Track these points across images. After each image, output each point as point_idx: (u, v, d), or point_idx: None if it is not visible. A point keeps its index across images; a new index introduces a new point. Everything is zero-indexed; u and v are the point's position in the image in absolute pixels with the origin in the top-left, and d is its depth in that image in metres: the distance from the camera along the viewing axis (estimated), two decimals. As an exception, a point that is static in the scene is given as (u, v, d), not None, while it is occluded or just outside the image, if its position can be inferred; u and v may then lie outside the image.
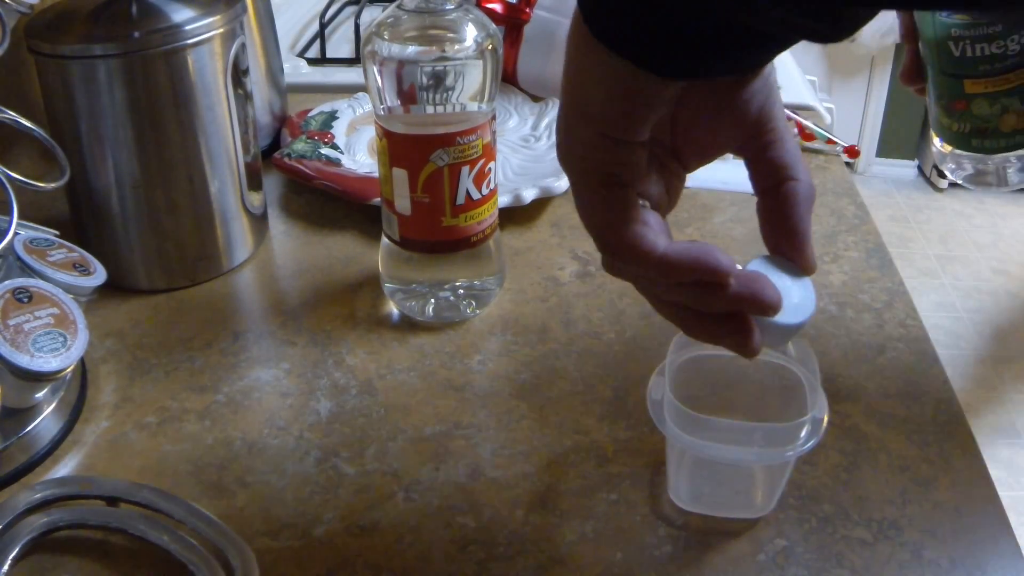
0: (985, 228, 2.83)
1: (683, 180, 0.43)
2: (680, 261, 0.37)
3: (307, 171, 0.77)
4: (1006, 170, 0.55)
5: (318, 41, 1.07)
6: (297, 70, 1.02)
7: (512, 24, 0.89)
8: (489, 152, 0.60)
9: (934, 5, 0.50)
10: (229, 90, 0.66)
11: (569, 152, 0.38)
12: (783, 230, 0.40)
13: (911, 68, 0.57)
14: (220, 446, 0.55)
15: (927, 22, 0.54)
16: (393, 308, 0.66)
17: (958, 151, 0.56)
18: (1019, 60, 0.52)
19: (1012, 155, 0.55)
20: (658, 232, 0.38)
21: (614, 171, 0.37)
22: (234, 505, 0.51)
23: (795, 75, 1.05)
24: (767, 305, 0.37)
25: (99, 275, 0.60)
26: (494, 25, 0.59)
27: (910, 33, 0.56)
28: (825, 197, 0.79)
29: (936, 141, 0.57)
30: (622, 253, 0.38)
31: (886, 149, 3.14)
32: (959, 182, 0.58)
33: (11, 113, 0.57)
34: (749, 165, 0.41)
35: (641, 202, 0.38)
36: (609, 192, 0.37)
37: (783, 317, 0.38)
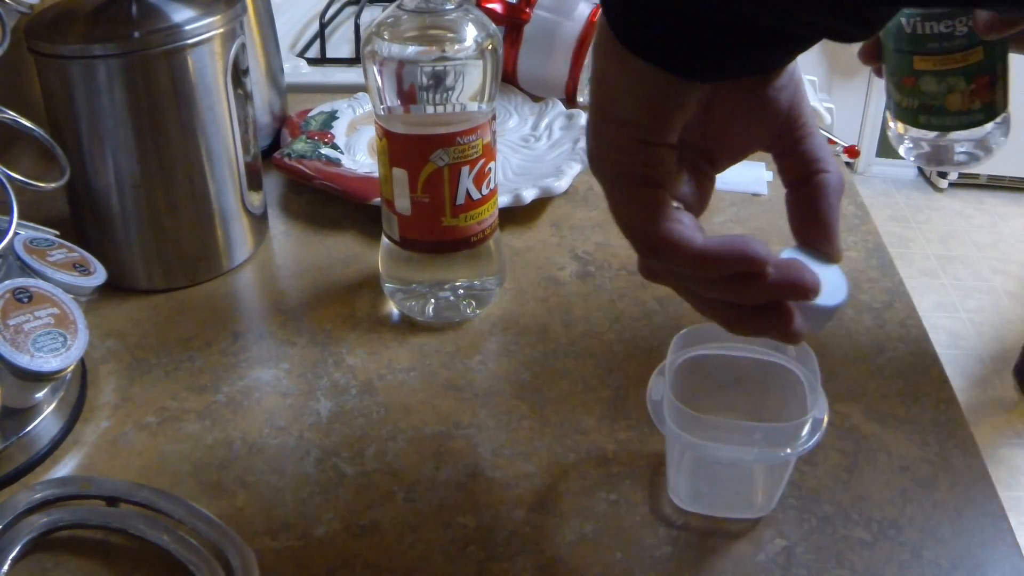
0: (985, 228, 2.83)
1: (713, 181, 0.44)
2: (719, 253, 0.37)
3: (307, 171, 0.77)
4: (952, 150, 0.57)
5: (318, 41, 1.07)
6: (297, 70, 1.02)
7: (512, 24, 0.89)
8: (489, 152, 0.60)
9: (958, 1, 0.50)
10: (229, 90, 0.66)
11: (601, 157, 0.39)
12: (814, 221, 0.40)
13: (871, 47, 0.58)
14: (220, 446, 0.55)
15: None
16: (393, 308, 0.66)
17: (907, 127, 0.57)
18: (967, 41, 0.53)
19: (959, 135, 0.56)
20: (694, 229, 0.38)
21: (647, 172, 0.38)
22: (234, 505, 0.51)
23: (795, 75, 1.05)
24: (807, 289, 0.38)
25: (99, 275, 0.60)
26: (494, 25, 0.59)
27: None
28: (825, 197, 0.79)
29: (888, 118, 0.59)
30: (661, 250, 0.38)
31: (886, 149, 3.14)
32: (909, 160, 0.59)
33: (11, 113, 0.57)
34: (778, 159, 0.42)
35: (675, 204, 0.39)
36: (643, 192, 0.38)
37: (822, 300, 0.38)
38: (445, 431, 0.55)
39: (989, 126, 0.56)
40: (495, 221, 0.64)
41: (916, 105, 0.56)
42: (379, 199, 0.65)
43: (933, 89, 0.55)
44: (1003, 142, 0.57)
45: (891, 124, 0.59)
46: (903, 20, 0.54)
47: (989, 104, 0.55)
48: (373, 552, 0.48)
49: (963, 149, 0.57)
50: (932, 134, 0.57)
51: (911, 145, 0.59)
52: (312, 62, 1.04)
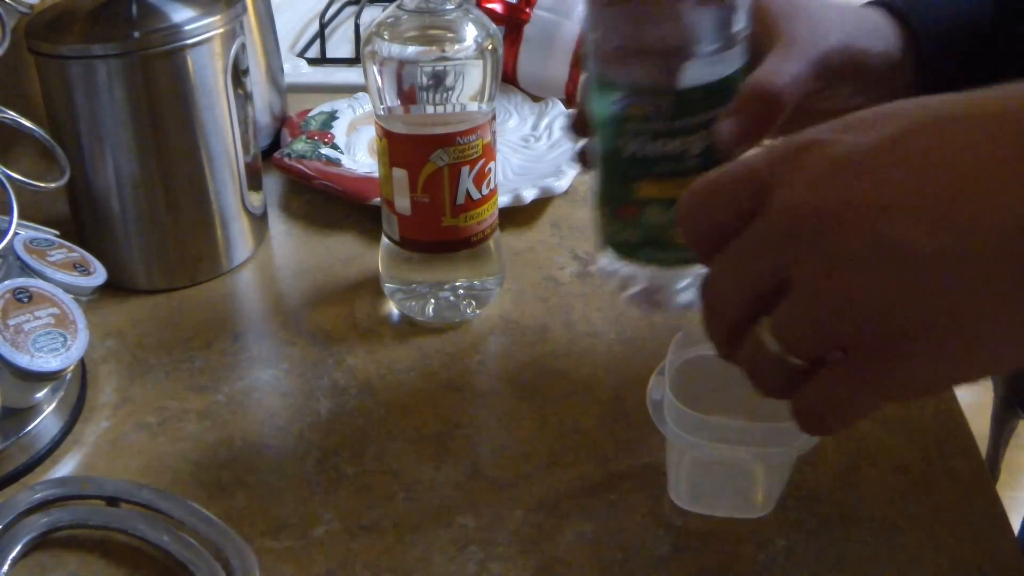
0: (985, 228, 2.83)
1: None
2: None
3: (307, 171, 0.77)
4: (677, 289, 0.48)
5: (318, 41, 1.07)
6: (297, 70, 1.02)
7: (512, 24, 0.89)
8: (489, 152, 0.60)
9: None
10: (229, 90, 0.66)
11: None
12: None
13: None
14: (220, 446, 0.55)
15: (598, 102, 0.45)
16: (393, 308, 0.66)
17: (627, 261, 0.48)
18: (703, 160, 0.44)
19: (687, 271, 0.47)
20: None
21: None
22: (234, 505, 0.51)
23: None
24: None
25: (99, 275, 0.60)
26: (494, 25, 0.59)
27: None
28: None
29: (597, 244, 0.49)
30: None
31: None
32: (624, 299, 0.48)
33: (11, 113, 0.57)
34: None
35: None
36: None
37: None
38: (445, 431, 0.55)
39: None
40: (495, 221, 0.64)
41: (638, 238, 0.46)
42: (379, 199, 0.65)
43: (660, 220, 0.45)
44: None
45: (601, 255, 0.49)
46: (620, 142, 0.44)
47: None
48: (373, 552, 0.48)
49: (688, 286, 0.48)
50: (657, 270, 0.47)
51: (627, 280, 0.48)
52: (312, 62, 1.04)
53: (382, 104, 0.59)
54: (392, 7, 0.58)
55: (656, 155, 0.44)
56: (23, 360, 0.50)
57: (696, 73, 0.43)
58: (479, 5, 0.89)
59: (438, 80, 0.57)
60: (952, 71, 0.52)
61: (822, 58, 0.48)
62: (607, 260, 0.49)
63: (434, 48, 0.57)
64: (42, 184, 0.58)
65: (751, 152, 0.35)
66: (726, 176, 0.34)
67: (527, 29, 0.89)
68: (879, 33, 0.51)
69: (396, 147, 0.59)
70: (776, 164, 0.33)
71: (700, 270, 0.41)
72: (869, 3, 0.54)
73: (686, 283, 0.48)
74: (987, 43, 0.53)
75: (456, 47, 0.57)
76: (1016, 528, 0.49)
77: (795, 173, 0.32)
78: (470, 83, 0.57)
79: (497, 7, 0.89)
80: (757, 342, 0.34)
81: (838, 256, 0.30)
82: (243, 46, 0.67)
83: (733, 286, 0.34)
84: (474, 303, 0.65)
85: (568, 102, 0.91)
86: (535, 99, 0.92)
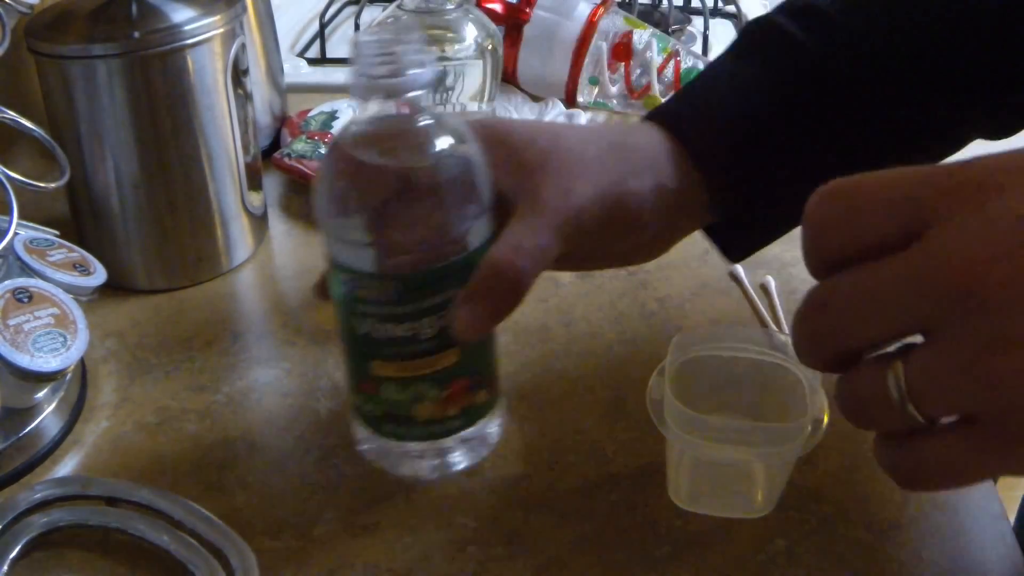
0: (985, 228, 2.83)
1: None
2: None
3: (307, 171, 0.77)
4: (410, 460, 0.50)
5: (318, 41, 1.07)
6: (297, 70, 1.02)
7: (512, 24, 0.89)
8: (489, 152, 0.60)
9: None
10: (229, 90, 0.66)
11: None
12: None
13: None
14: (220, 446, 0.55)
15: (332, 279, 0.46)
16: (393, 308, 0.66)
17: (370, 433, 0.50)
18: (433, 345, 0.45)
19: (434, 444, 0.49)
20: None
21: None
22: (234, 505, 0.50)
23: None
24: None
25: (99, 275, 0.60)
26: (494, 25, 0.59)
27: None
28: (825, 197, 0.79)
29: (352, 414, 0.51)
30: None
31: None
32: (380, 464, 0.50)
33: (11, 113, 0.57)
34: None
35: None
36: None
37: None
38: (445, 431, 0.55)
39: (471, 430, 0.50)
40: (495, 221, 0.64)
41: (380, 413, 0.48)
42: (379, 199, 0.65)
43: (397, 398, 0.47)
44: (498, 432, 0.51)
45: (352, 420, 0.51)
46: (355, 319, 0.45)
47: (470, 407, 0.49)
48: (373, 552, 0.48)
49: (456, 454, 0.50)
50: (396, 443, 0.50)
51: (372, 447, 0.51)
52: (312, 62, 1.04)
53: (382, 104, 0.59)
54: (392, 7, 0.58)
55: (387, 337, 0.45)
56: (23, 360, 0.50)
57: (421, 259, 0.43)
58: (479, 5, 0.89)
59: (438, 80, 0.57)
60: (740, 178, 0.50)
61: (573, 218, 0.44)
62: (357, 428, 0.51)
63: (434, 48, 0.57)
64: (42, 184, 0.58)
65: (904, 170, 0.31)
66: (876, 192, 0.30)
67: (527, 29, 0.89)
68: (650, 164, 0.48)
69: (396, 147, 0.59)
70: (943, 199, 0.29)
71: (438, 445, 0.47)
72: (645, 118, 0.51)
73: (420, 455, 0.50)
74: (769, 139, 0.50)
75: (456, 47, 0.57)
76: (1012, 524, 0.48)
77: (969, 218, 0.28)
78: (470, 83, 0.57)
79: (497, 7, 0.89)
80: (873, 378, 0.31)
81: (1007, 335, 0.27)
82: (243, 46, 0.67)
83: (861, 315, 0.31)
84: (474, 303, 0.65)
85: (568, 102, 0.91)
86: (535, 99, 0.92)
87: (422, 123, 0.43)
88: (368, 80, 0.41)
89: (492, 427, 0.51)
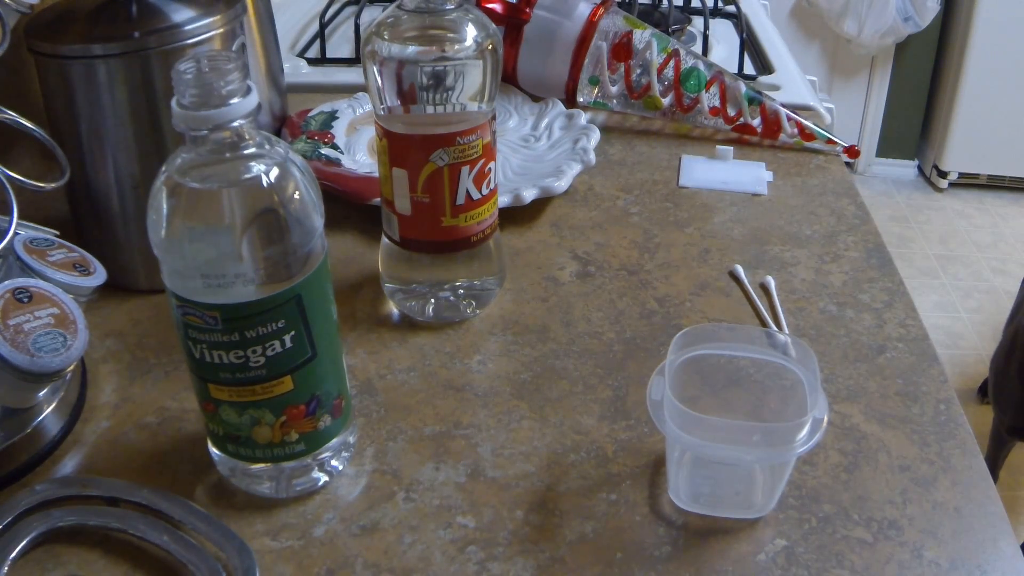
0: (985, 228, 2.83)
1: None
2: None
3: (307, 171, 0.77)
4: (273, 480, 0.50)
5: (318, 41, 1.07)
6: (297, 70, 1.02)
7: (512, 24, 0.89)
8: (489, 152, 0.60)
9: None
10: (229, 90, 0.66)
11: None
12: None
13: None
14: (220, 446, 0.54)
15: (170, 302, 0.46)
16: (393, 308, 0.66)
17: (215, 451, 0.51)
18: (263, 373, 0.46)
19: (279, 466, 0.50)
20: None
21: None
22: (234, 505, 0.51)
23: (795, 75, 1.05)
24: None
25: (99, 275, 0.60)
26: (494, 25, 0.59)
27: None
28: (825, 197, 0.79)
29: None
30: None
31: (886, 149, 3.14)
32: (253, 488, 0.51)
33: (11, 113, 0.57)
34: None
35: None
36: None
37: None
38: (445, 431, 0.55)
39: (327, 453, 0.50)
40: (495, 221, 0.64)
41: (221, 434, 0.49)
42: (379, 199, 0.65)
43: (235, 420, 0.47)
44: (346, 459, 0.52)
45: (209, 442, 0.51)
46: (189, 344, 0.46)
47: (312, 433, 0.49)
48: (373, 552, 0.48)
49: (304, 478, 0.51)
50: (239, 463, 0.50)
51: (234, 470, 0.51)
52: (312, 62, 1.05)
53: (382, 104, 0.59)
54: (392, 7, 0.58)
55: (218, 363, 0.45)
56: (23, 360, 0.50)
57: (240, 292, 0.44)
58: (479, 5, 0.89)
59: (438, 80, 0.57)
60: None
61: None
62: (209, 444, 0.52)
63: (434, 48, 0.57)
64: (42, 184, 0.58)
65: None
66: None
67: (527, 29, 0.89)
68: None
69: (396, 147, 0.59)
70: None
71: (280, 467, 0.48)
72: None
73: (271, 476, 0.50)
74: None
75: (456, 47, 0.57)
76: (1016, 528, 0.48)
77: None
78: (470, 83, 0.57)
79: (497, 7, 0.89)
80: None
81: None
82: (243, 46, 0.67)
83: None
84: (474, 303, 0.65)
85: (568, 102, 0.91)
86: (535, 99, 0.92)
87: (244, 151, 0.43)
88: (183, 111, 0.41)
89: (343, 452, 0.52)
